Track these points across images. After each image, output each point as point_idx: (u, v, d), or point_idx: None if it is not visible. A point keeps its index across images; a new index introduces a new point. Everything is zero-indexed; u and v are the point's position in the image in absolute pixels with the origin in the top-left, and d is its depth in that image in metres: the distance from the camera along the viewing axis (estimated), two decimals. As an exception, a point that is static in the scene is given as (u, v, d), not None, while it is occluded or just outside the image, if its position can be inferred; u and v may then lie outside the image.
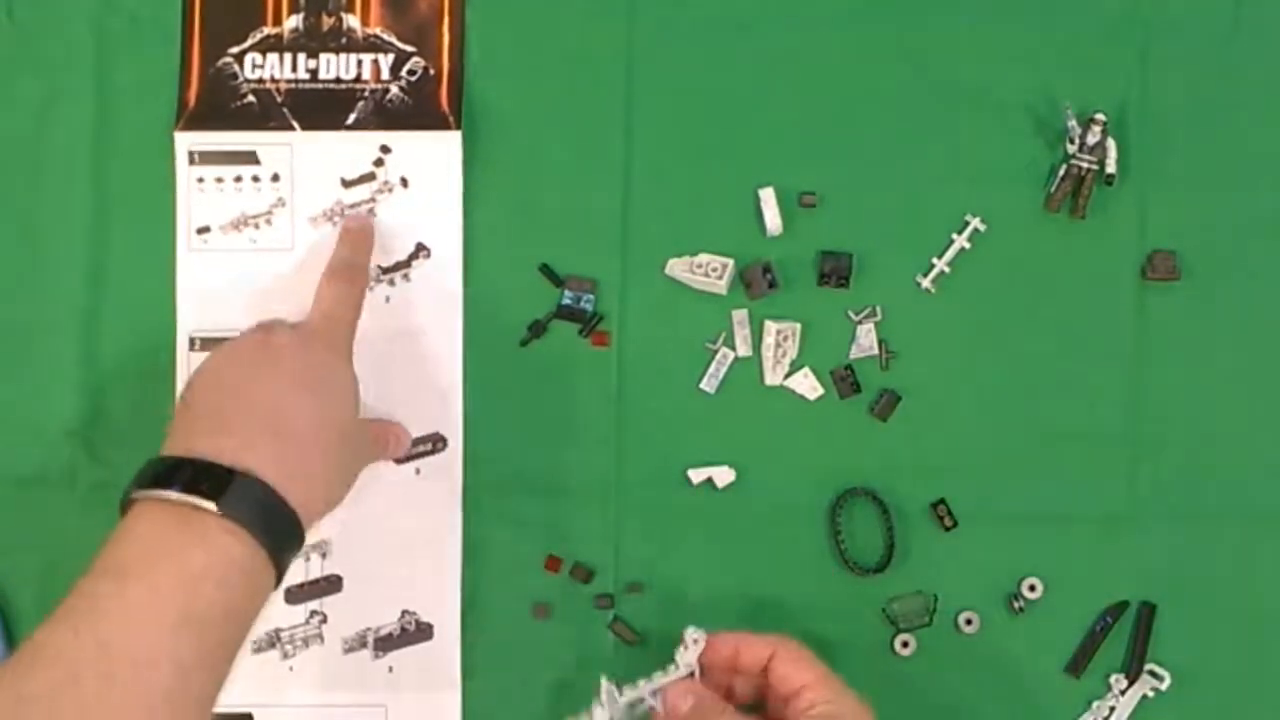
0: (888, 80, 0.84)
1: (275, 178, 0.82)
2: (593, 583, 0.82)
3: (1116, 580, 0.82)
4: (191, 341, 0.83)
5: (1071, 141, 0.82)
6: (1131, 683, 0.81)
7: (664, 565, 0.82)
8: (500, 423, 0.83)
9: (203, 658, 0.63)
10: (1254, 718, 0.82)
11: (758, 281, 0.82)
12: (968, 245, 0.83)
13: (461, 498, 0.82)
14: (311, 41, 0.83)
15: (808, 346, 0.83)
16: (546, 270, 0.83)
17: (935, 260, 0.83)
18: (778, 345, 0.83)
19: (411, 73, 0.82)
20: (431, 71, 0.83)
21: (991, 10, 0.85)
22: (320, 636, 0.82)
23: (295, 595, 0.82)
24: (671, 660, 0.74)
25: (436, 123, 0.82)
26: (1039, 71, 0.84)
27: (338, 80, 0.83)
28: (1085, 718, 0.81)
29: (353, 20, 0.83)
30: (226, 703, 0.77)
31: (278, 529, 0.66)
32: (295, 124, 0.82)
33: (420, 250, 0.82)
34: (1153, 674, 0.81)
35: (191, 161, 0.82)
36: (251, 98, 0.82)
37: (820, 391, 0.83)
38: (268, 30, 0.83)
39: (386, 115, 0.82)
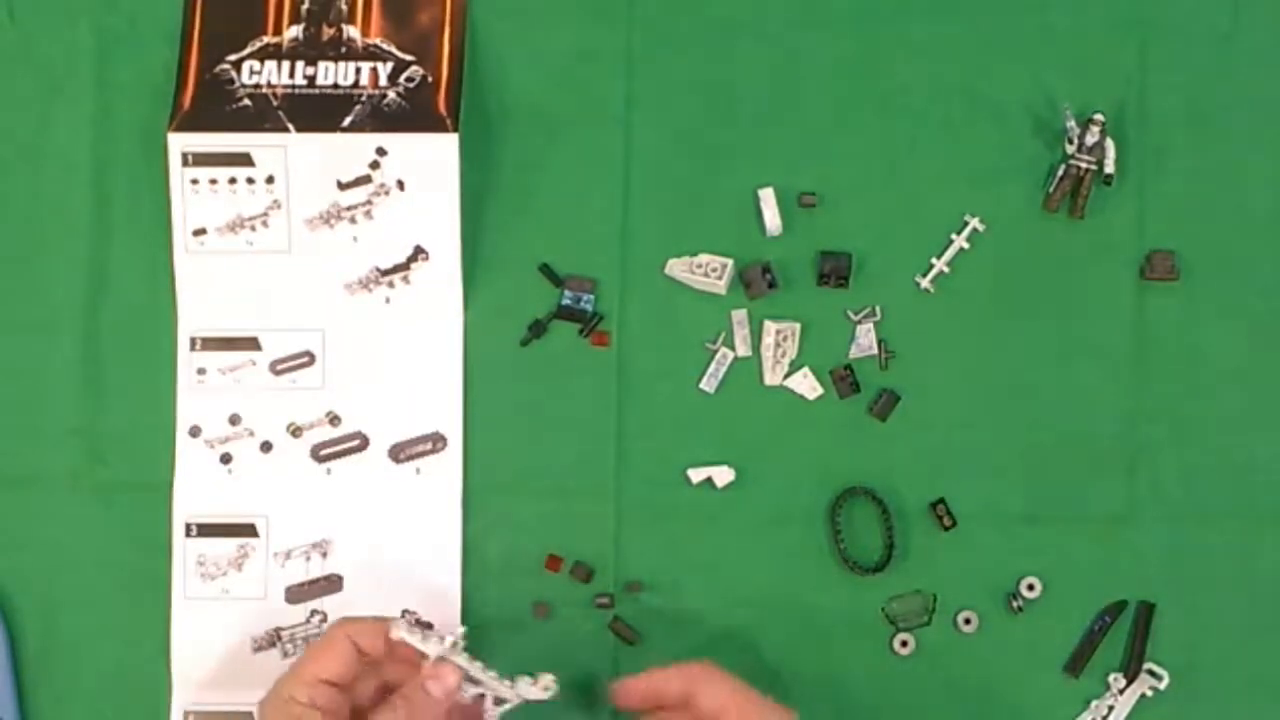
0: (887, 81, 0.85)
1: (270, 180, 0.82)
2: (593, 582, 0.82)
3: (1115, 580, 0.82)
4: (192, 342, 0.83)
5: (1070, 142, 0.82)
6: (1130, 682, 0.81)
7: (664, 565, 0.82)
8: (500, 422, 0.83)
9: None
10: (1252, 717, 0.82)
11: (757, 281, 0.83)
12: (967, 245, 0.83)
13: (461, 497, 0.82)
14: (311, 50, 0.83)
15: (807, 346, 0.83)
16: (546, 270, 0.84)
17: (934, 260, 0.83)
18: (777, 345, 0.83)
19: (410, 79, 0.82)
20: (430, 79, 0.83)
21: (991, 11, 0.85)
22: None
23: (296, 594, 0.82)
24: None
25: (433, 125, 0.82)
26: (1038, 72, 0.84)
27: (335, 86, 0.83)
28: (1084, 717, 0.82)
29: (353, 31, 0.83)
30: (227, 702, 0.77)
31: None
32: (290, 126, 0.82)
33: (419, 253, 0.82)
34: (1151, 673, 0.81)
35: (186, 163, 0.82)
36: (247, 101, 0.82)
37: (820, 391, 0.83)
38: (268, 39, 0.83)
39: (383, 118, 0.82)
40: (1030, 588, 0.82)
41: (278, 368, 0.83)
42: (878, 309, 0.83)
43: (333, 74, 0.83)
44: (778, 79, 0.85)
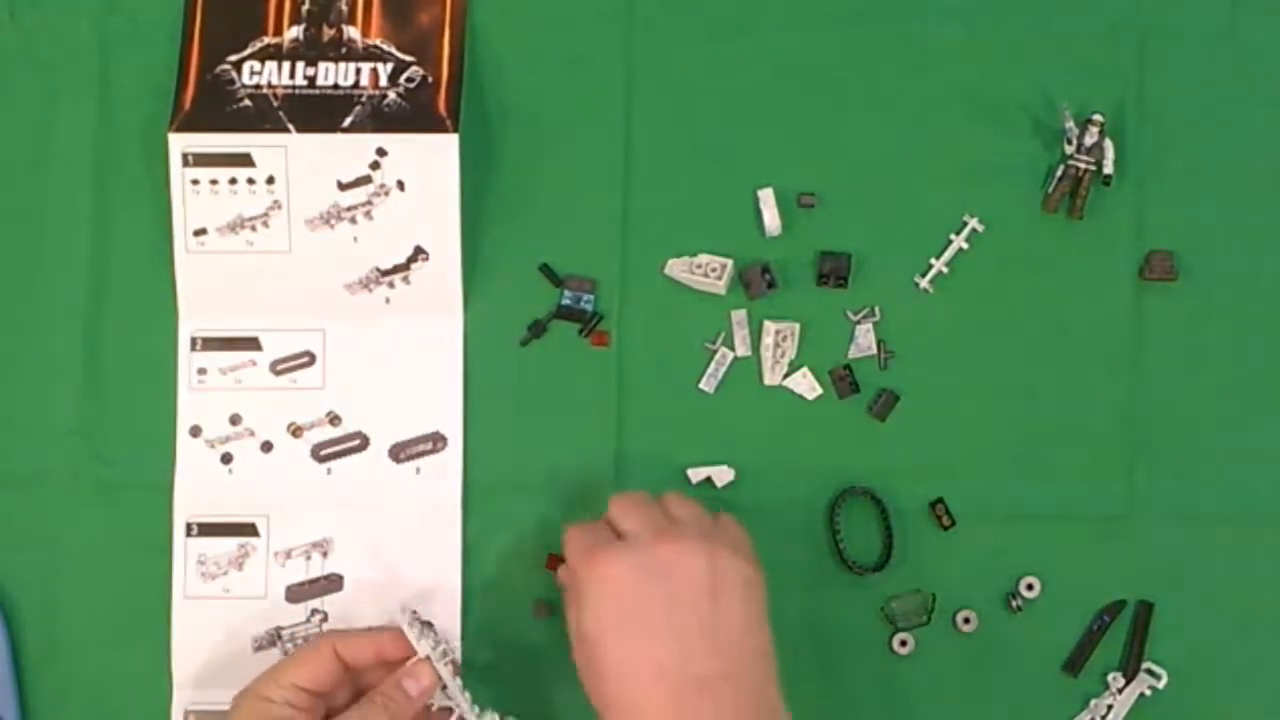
0: (886, 81, 0.85)
1: (270, 180, 0.82)
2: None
3: (1114, 579, 0.82)
4: (193, 341, 0.83)
5: (1069, 142, 0.82)
6: (1129, 681, 0.82)
7: (663, 565, 0.82)
8: (500, 422, 0.83)
9: None
10: (1250, 716, 0.82)
11: (757, 282, 0.83)
12: (966, 245, 0.84)
13: (462, 497, 0.82)
14: (311, 51, 0.83)
15: (806, 346, 0.83)
16: (546, 270, 0.84)
17: (933, 260, 0.84)
18: (777, 345, 0.83)
19: (410, 80, 0.82)
20: (430, 79, 0.83)
21: (990, 11, 0.85)
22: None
23: (296, 594, 0.82)
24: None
25: (433, 126, 0.82)
26: (1037, 73, 0.84)
27: (335, 86, 0.83)
28: (1083, 716, 0.82)
29: (353, 31, 0.83)
30: (227, 701, 0.77)
31: None
32: (290, 126, 0.82)
33: (419, 253, 0.82)
34: (1150, 672, 0.82)
35: (186, 163, 0.82)
36: (247, 101, 0.82)
37: (819, 391, 0.83)
38: (268, 40, 0.83)
39: (383, 118, 0.82)
40: (1029, 587, 0.82)
41: (278, 368, 0.83)
42: (877, 309, 0.83)
43: (333, 74, 0.83)
44: (778, 79, 0.85)
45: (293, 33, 0.83)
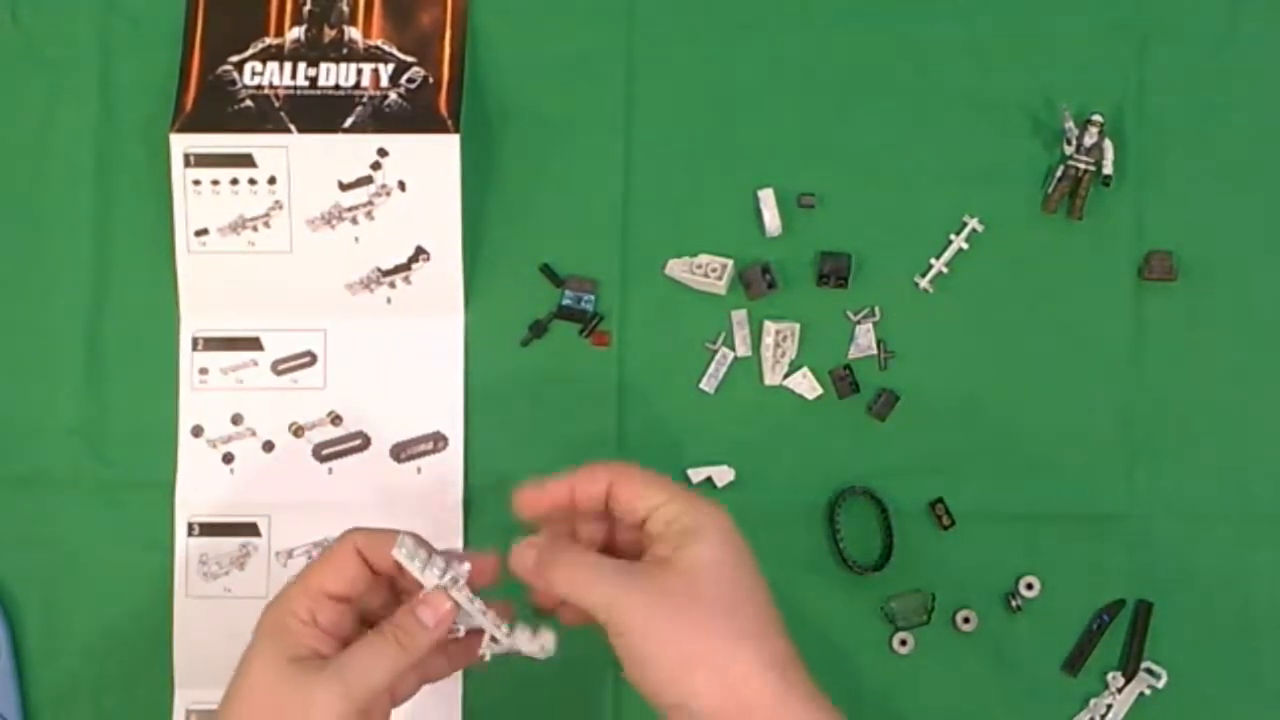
0: (886, 81, 0.85)
1: (272, 180, 0.82)
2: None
3: (1113, 579, 0.82)
4: (195, 342, 0.83)
5: (1069, 143, 0.82)
6: (1128, 681, 0.82)
7: (663, 564, 0.82)
8: (501, 422, 0.83)
9: None
10: (1249, 716, 0.82)
11: (757, 282, 0.83)
12: (966, 246, 0.84)
13: (462, 497, 0.83)
14: (312, 52, 0.83)
15: (807, 346, 0.84)
16: (547, 270, 0.84)
17: (933, 261, 0.84)
18: (777, 345, 0.83)
19: (411, 81, 0.83)
20: (431, 80, 0.83)
21: (989, 12, 0.85)
22: (322, 635, 0.82)
23: (297, 594, 0.82)
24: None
25: (434, 126, 0.82)
26: (1036, 73, 0.84)
27: (336, 87, 0.83)
28: (1082, 715, 0.82)
29: (354, 32, 0.84)
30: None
31: None
32: (292, 127, 0.82)
33: (420, 253, 0.83)
34: (1149, 672, 0.82)
35: (188, 164, 0.82)
36: (249, 102, 0.83)
37: (819, 391, 0.83)
38: (269, 40, 0.83)
39: (384, 119, 0.82)
40: (1029, 587, 0.82)
41: (279, 368, 0.83)
42: (877, 309, 0.84)
43: (334, 75, 0.83)
44: (777, 79, 0.85)
45: (294, 33, 0.84)
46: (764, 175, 0.84)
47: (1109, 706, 0.82)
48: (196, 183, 0.82)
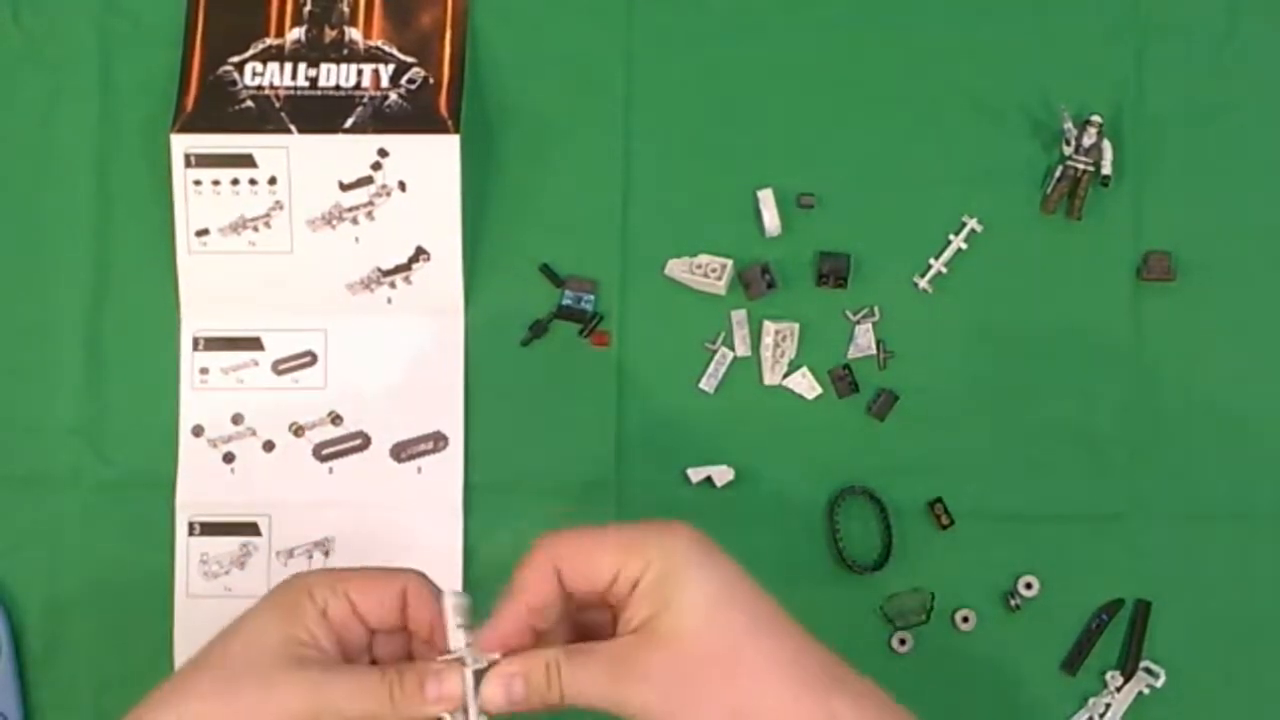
0: (885, 82, 0.85)
1: (273, 181, 0.82)
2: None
3: (1112, 578, 0.82)
4: (195, 341, 0.83)
5: (1067, 143, 0.82)
6: (1127, 680, 0.82)
7: (663, 564, 0.82)
8: (501, 422, 0.83)
9: None
10: (1248, 715, 0.82)
11: (756, 282, 0.83)
12: (965, 246, 0.84)
13: (463, 496, 0.83)
14: (313, 52, 0.83)
15: (806, 346, 0.84)
16: (547, 271, 0.84)
17: (932, 261, 0.84)
18: (776, 345, 0.83)
19: (411, 81, 0.83)
20: (431, 80, 0.83)
21: (988, 13, 0.85)
22: (322, 634, 0.82)
23: (298, 593, 0.82)
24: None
25: (435, 126, 0.82)
26: (1035, 74, 0.84)
27: (337, 88, 0.83)
28: (1081, 715, 0.82)
29: (355, 33, 0.84)
30: (230, 700, 0.77)
31: None
32: (292, 127, 0.82)
33: (420, 253, 0.83)
34: (1148, 671, 0.82)
35: (188, 164, 0.82)
36: (249, 102, 0.83)
37: (818, 391, 0.83)
38: (270, 41, 0.83)
39: (384, 119, 0.82)
40: (1028, 586, 0.82)
41: (280, 367, 0.83)
42: (876, 309, 0.84)
43: (335, 76, 0.83)
44: (777, 79, 0.85)
45: (294, 34, 0.84)
46: (763, 175, 0.84)
47: (1108, 706, 0.82)
48: (197, 183, 0.82)
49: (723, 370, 0.83)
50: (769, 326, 0.83)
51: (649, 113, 0.85)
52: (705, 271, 0.83)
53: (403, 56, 0.83)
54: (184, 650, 0.81)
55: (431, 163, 0.82)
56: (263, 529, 0.82)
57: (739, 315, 0.84)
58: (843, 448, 0.83)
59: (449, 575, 0.82)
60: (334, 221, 0.82)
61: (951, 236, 0.84)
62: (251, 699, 0.60)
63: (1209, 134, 0.84)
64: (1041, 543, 0.82)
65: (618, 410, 0.83)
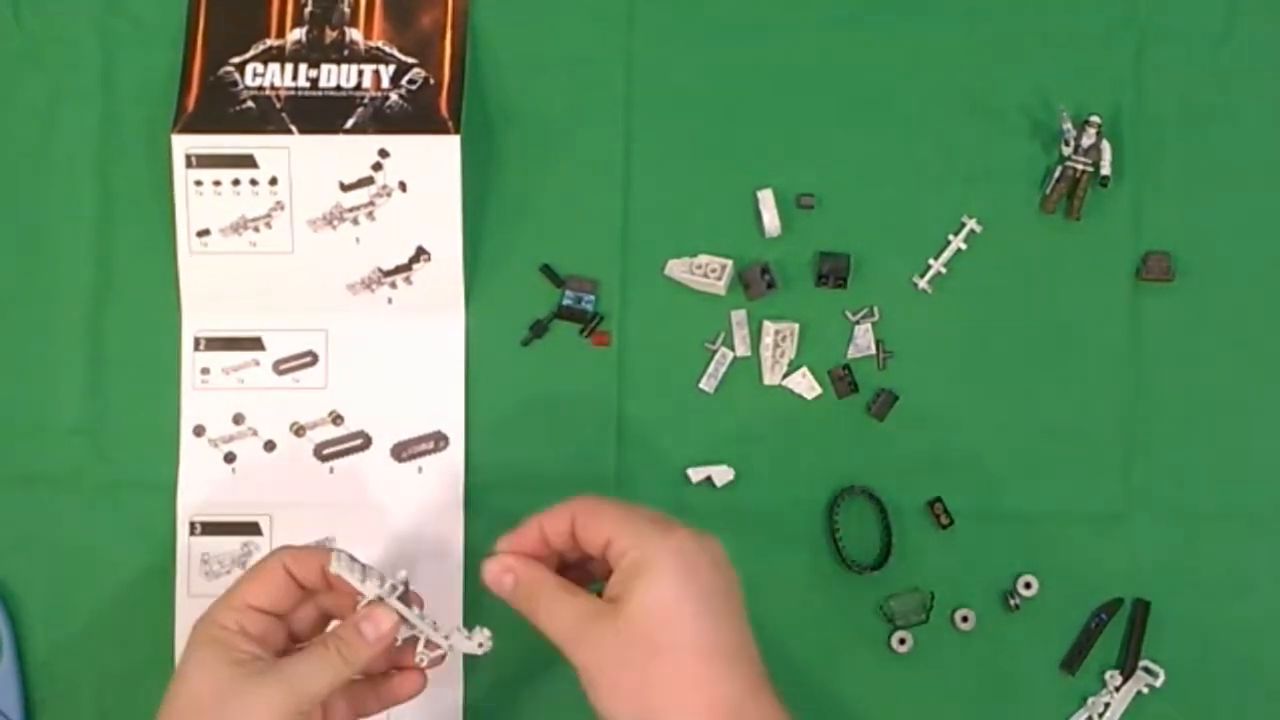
0: (885, 83, 0.85)
1: (273, 181, 0.82)
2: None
3: (1111, 578, 0.82)
4: (196, 342, 0.84)
5: (1067, 144, 0.82)
6: (1126, 679, 0.82)
7: (663, 563, 0.82)
8: (502, 422, 0.84)
9: None
10: (1247, 715, 0.82)
11: (756, 282, 0.83)
12: (964, 246, 0.84)
13: (463, 496, 0.83)
14: (313, 53, 0.84)
15: (806, 346, 0.84)
16: (548, 271, 0.84)
17: (932, 261, 0.84)
18: (776, 345, 0.83)
19: (412, 82, 0.83)
20: (432, 81, 0.83)
21: (988, 13, 0.85)
22: (323, 634, 0.83)
23: (299, 593, 0.82)
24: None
25: (435, 127, 0.82)
26: (1035, 75, 0.85)
27: (338, 88, 0.83)
28: (1080, 714, 0.82)
29: (355, 33, 0.84)
30: (231, 700, 0.77)
31: None
32: (293, 128, 0.82)
33: (421, 253, 0.83)
34: (1147, 670, 0.82)
35: (189, 164, 0.82)
36: (250, 103, 0.83)
37: (818, 391, 0.84)
38: (270, 42, 0.84)
39: (385, 120, 0.82)
40: (1027, 586, 0.82)
41: (281, 367, 0.84)
42: (876, 309, 0.84)
43: (335, 76, 0.83)
44: (777, 80, 0.85)
45: (295, 35, 0.84)
46: (763, 176, 0.84)
47: (1107, 705, 0.82)
48: (198, 183, 0.82)
49: (723, 370, 0.84)
50: (769, 326, 0.83)
51: (649, 113, 0.85)
52: (705, 271, 0.83)
53: (403, 57, 0.84)
54: (185, 650, 0.82)
55: (432, 163, 0.82)
56: (264, 529, 0.83)
57: (739, 315, 0.84)
58: (842, 448, 0.83)
59: (450, 575, 0.82)
60: (335, 222, 0.83)
61: (951, 237, 0.84)
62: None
63: (1208, 134, 0.85)
64: (1041, 542, 0.83)
65: (618, 410, 0.83)
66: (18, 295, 0.84)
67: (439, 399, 0.83)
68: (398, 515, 0.83)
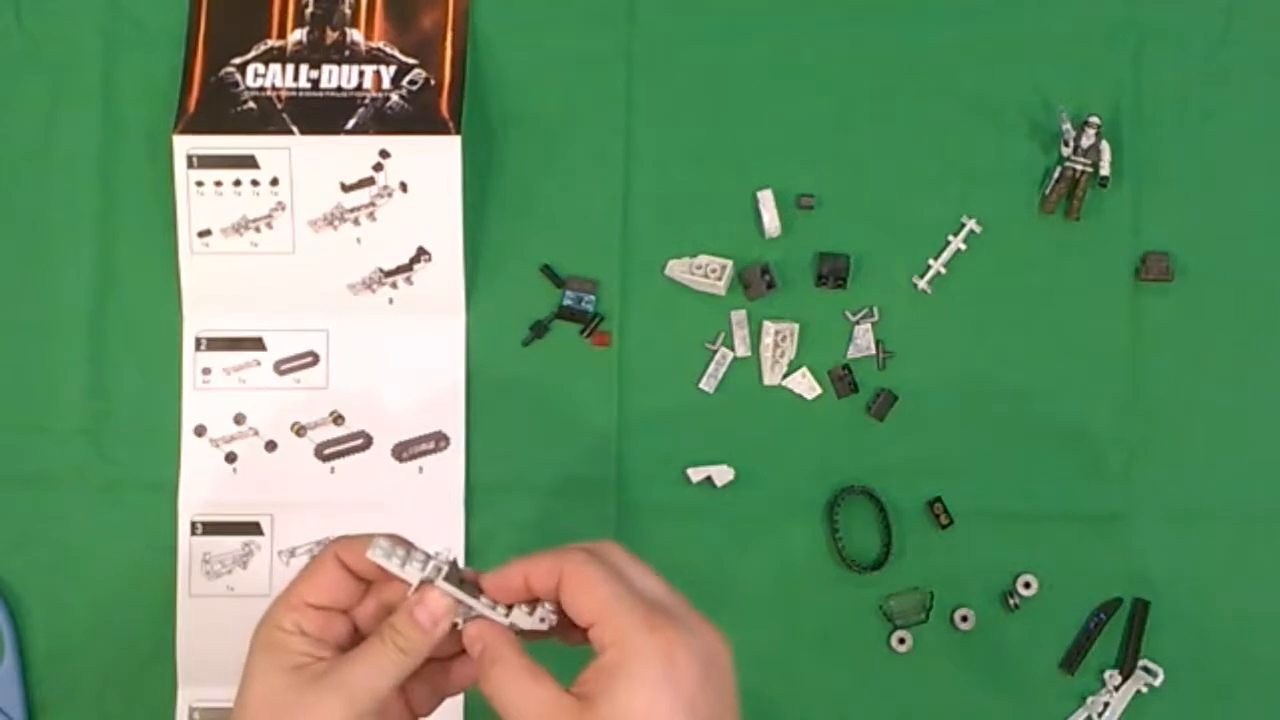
0: (885, 83, 0.85)
1: (274, 181, 0.82)
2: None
3: (1110, 578, 0.83)
4: (198, 342, 0.84)
5: (1066, 144, 0.83)
6: (1125, 679, 0.82)
7: (663, 564, 0.82)
8: (502, 422, 0.84)
9: None
10: (1245, 714, 0.82)
11: (756, 282, 0.83)
12: (963, 247, 0.84)
13: (464, 496, 0.83)
14: (315, 54, 0.84)
15: (806, 347, 0.84)
16: (548, 271, 0.84)
17: (931, 261, 0.84)
18: (776, 345, 0.84)
19: (413, 83, 0.83)
20: (433, 82, 0.83)
21: (987, 14, 0.85)
22: (324, 633, 0.83)
23: (300, 592, 0.83)
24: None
25: (436, 128, 0.82)
26: (1034, 75, 0.85)
27: (339, 89, 0.83)
28: (1079, 713, 0.82)
29: (356, 34, 0.84)
30: (232, 699, 0.78)
31: None
32: (294, 128, 0.82)
33: (422, 254, 0.83)
34: (1146, 670, 0.82)
35: (190, 165, 0.82)
36: (251, 104, 0.83)
37: (818, 391, 0.84)
38: (272, 43, 0.84)
39: (386, 121, 0.82)
40: (1026, 585, 0.82)
41: (282, 368, 0.84)
42: (875, 310, 0.84)
43: (336, 77, 0.83)
44: (777, 81, 0.86)
45: (296, 36, 0.84)
46: (763, 176, 0.84)
47: (1106, 704, 0.82)
48: (199, 184, 0.83)
49: (723, 370, 0.84)
50: (769, 327, 0.83)
51: (649, 113, 0.85)
52: (705, 272, 0.83)
53: (404, 58, 0.84)
54: (186, 649, 0.82)
55: (433, 164, 0.82)
56: (265, 528, 0.83)
57: (739, 315, 0.84)
58: (842, 448, 0.83)
59: (450, 574, 0.82)
60: (336, 222, 0.83)
61: (950, 237, 0.84)
62: None
63: (1207, 135, 0.85)
64: (1040, 542, 0.83)
65: (618, 411, 0.83)
66: (19, 295, 0.85)
67: (440, 399, 0.83)
68: (398, 515, 0.83)
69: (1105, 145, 0.83)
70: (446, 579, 0.63)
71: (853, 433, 0.83)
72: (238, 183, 0.82)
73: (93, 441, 0.83)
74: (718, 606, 0.82)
